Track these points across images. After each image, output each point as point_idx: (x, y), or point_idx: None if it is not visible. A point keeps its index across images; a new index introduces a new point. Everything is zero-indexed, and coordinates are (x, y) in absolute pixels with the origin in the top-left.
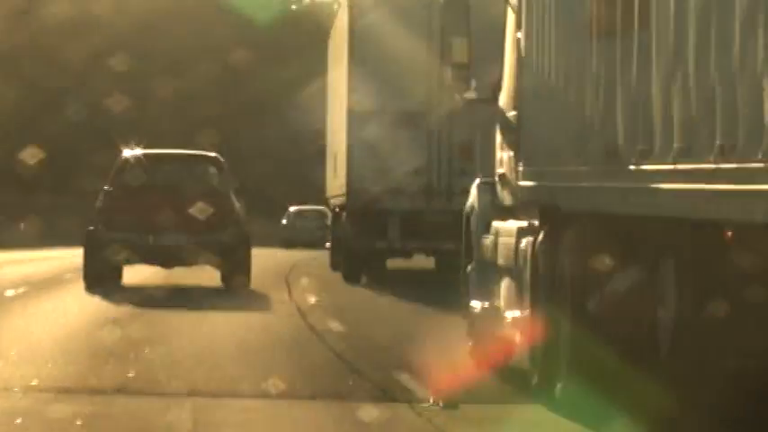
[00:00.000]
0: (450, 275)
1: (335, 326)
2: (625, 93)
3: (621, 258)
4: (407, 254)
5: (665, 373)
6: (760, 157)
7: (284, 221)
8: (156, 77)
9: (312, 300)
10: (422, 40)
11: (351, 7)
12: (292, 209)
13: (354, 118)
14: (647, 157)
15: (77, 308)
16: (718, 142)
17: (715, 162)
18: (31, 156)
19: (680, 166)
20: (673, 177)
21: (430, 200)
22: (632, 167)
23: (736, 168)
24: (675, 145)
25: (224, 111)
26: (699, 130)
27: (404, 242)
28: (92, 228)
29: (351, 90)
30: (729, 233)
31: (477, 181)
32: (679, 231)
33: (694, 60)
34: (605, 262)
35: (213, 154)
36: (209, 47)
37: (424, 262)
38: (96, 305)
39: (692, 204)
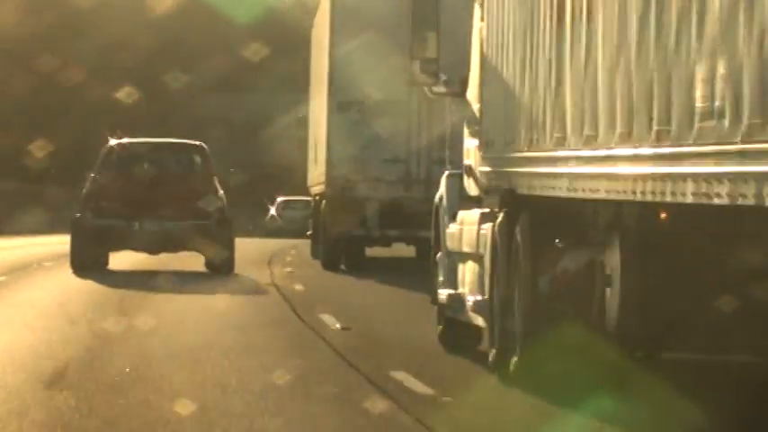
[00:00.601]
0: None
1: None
2: (573, 81)
3: (571, 239)
4: (386, 242)
5: (611, 347)
6: (690, 141)
7: (272, 212)
8: (163, 73)
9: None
10: (403, 30)
11: None
12: (280, 199)
13: (334, 106)
14: (591, 142)
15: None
16: (655, 127)
17: (652, 146)
18: (39, 148)
19: (621, 151)
20: (614, 161)
21: (409, 188)
22: (579, 153)
23: (670, 153)
24: (618, 130)
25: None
26: (638, 115)
27: (383, 230)
28: (78, 215)
29: (331, 79)
30: (664, 214)
31: (446, 172)
32: (623, 213)
33: (636, 49)
34: (556, 242)
35: (197, 142)
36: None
37: (405, 250)
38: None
39: (631, 187)
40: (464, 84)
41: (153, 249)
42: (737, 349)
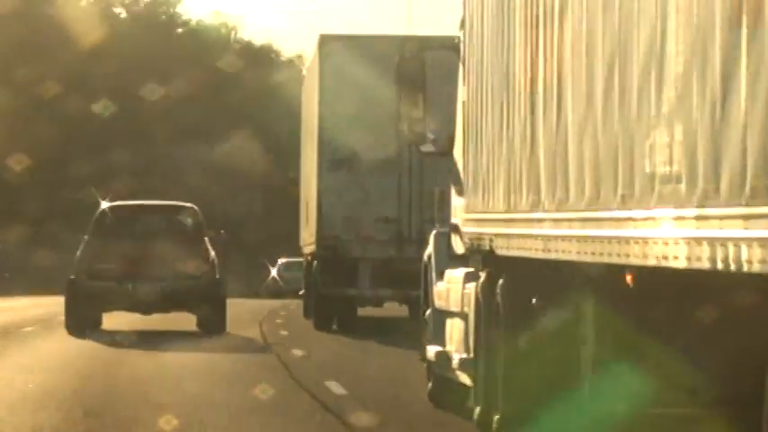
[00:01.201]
0: None
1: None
2: (546, 146)
3: (549, 299)
4: (378, 302)
5: (587, 407)
6: (652, 205)
7: (273, 273)
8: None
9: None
10: (393, 87)
11: (321, 53)
12: (281, 261)
13: (324, 165)
14: (563, 205)
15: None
16: (620, 191)
17: (617, 209)
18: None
19: (589, 214)
20: (583, 224)
21: (401, 248)
22: (552, 215)
23: (634, 216)
24: (587, 194)
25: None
26: (605, 179)
27: (375, 290)
28: (72, 277)
29: (321, 137)
30: (629, 276)
31: (435, 231)
32: (595, 275)
33: (601, 115)
34: (534, 302)
35: (188, 204)
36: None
37: (398, 310)
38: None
39: (599, 249)
40: (451, 142)
41: (145, 310)
42: (717, 402)
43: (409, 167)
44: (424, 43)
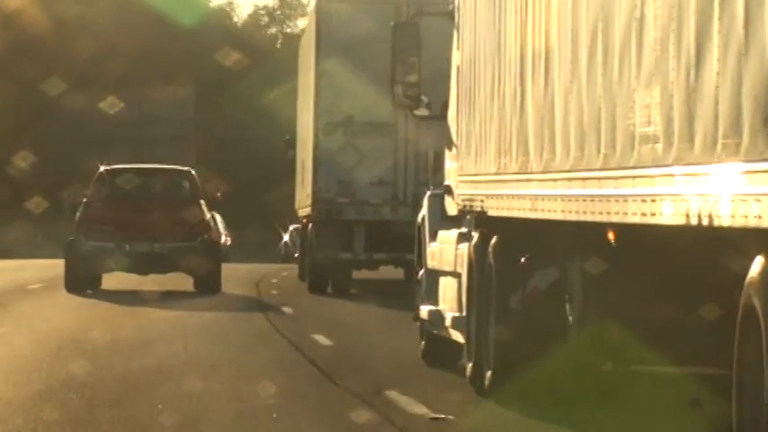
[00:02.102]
0: None
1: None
2: (535, 109)
3: (539, 258)
4: (373, 265)
5: (580, 361)
6: (632, 164)
7: (286, 238)
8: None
9: None
10: (390, 51)
11: (318, 15)
12: (293, 227)
13: (320, 127)
14: (550, 165)
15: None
16: (602, 151)
17: (599, 169)
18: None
19: (573, 174)
20: (569, 184)
21: (396, 211)
22: (539, 176)
23: (615, 175)
24: (572, 154)
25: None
26: (588, 140)
27: (369, 253)
28: (72, 238)
29: (317, 99)
30: (612, 233)
31: (428, 192)
32: (581, 234)
33: (585, 79)
34: (523, 261)
35: (185, 168)
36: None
37: (393, 273)
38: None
39: (582, 208)
40: (445, 107)
41: (143, 270)
42: (701, 361)
43: (405, 130)
44: (420, 8)
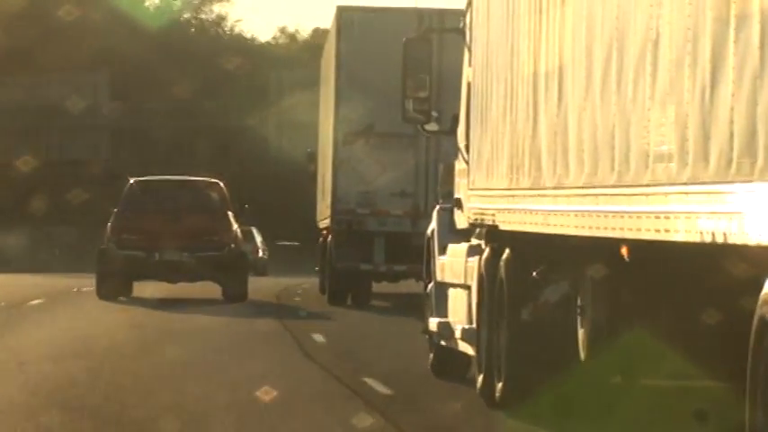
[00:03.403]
0: None
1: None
2: (548, 125)
3: (550, 273)
4: (394, 277)
5: (584, 375)
6: (646, 182)
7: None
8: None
9: None
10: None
11: (338, 27)
12: None
13: (340, 137)
14: (563, 181)
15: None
16: (616, 168)
17: (613, 186)
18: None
19: (587, 190)
20: (582, 200)
21: (416, 222)
22: (552, 191)
23: (629, 192)
24: (585, 171)
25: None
26: (602, 157)
27: (390, 265)
28: (103, 246)
29: (337, 109)
30: (625, 249)
31: (437, 206)
32: (593, 249)
33: (600, 97)
34: (535, 275)
35: (213, 180)
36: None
37: (415, 287)
38: None
39: (595, 223)
40: (455, 122)
41: (172, 279)
42: (712, 375)
43: (426, 141)
44: (441, 17)
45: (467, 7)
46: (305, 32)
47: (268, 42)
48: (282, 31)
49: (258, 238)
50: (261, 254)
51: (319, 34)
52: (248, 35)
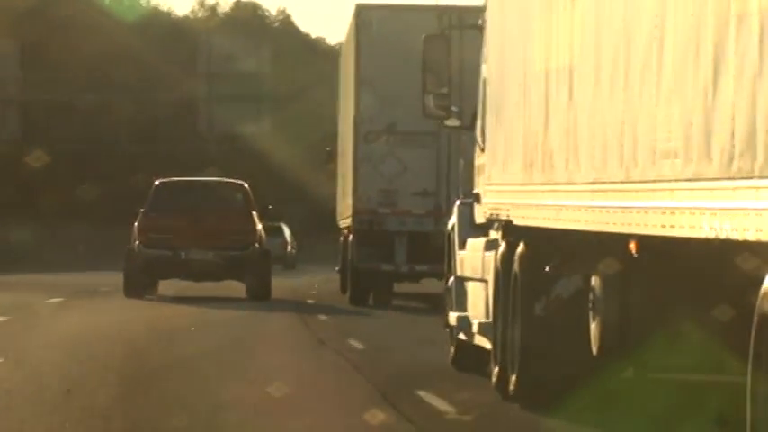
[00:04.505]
0: None
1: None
2: (559, 122)
3: (563, 267)
4: (415, 277)
5: (600, 367)
6: (652, 178)
7: None
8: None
9: None
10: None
11: (358, 22)
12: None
13: (360, 137)
14: (574, 177)
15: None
16: (624, 164)
17: (622, 181)
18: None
19: (598, 186)
20: (592, 195)
21: (438, 222)
22: (563, 186)
23: (636, 188)
24: (595, 167)
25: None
26: (611, 154)
27: (411, 265)
28: (130, 246)
29: (357, 109)
30: (633, 244)
31: (458, 201)
32: (603, 244)
33: (608, 93)
34: (547, 270)
35: (238, 181)
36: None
37: (437, 286)
38: None
39: (605, 218)
40: (475, 117)
41: (197, 277)
42: (721, 369)
43: (448, 139)
44: (461, 14)
45: (485, 4)
46: (226, 5)
47: (186, 16)
48: (201, 4)
49: (287, 233)
50: (289, 248)
51: (240, 7)
52: (165, 8)
